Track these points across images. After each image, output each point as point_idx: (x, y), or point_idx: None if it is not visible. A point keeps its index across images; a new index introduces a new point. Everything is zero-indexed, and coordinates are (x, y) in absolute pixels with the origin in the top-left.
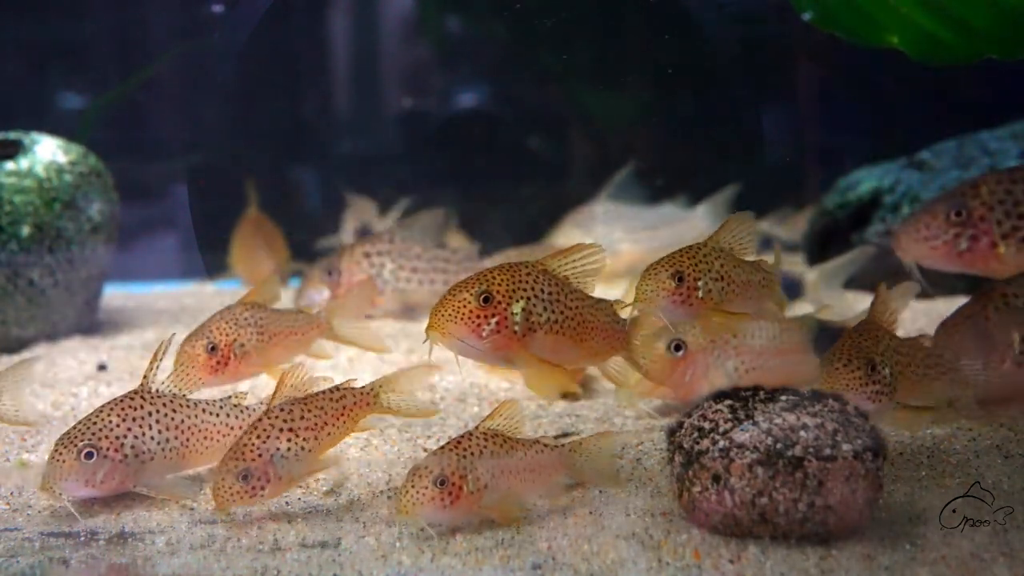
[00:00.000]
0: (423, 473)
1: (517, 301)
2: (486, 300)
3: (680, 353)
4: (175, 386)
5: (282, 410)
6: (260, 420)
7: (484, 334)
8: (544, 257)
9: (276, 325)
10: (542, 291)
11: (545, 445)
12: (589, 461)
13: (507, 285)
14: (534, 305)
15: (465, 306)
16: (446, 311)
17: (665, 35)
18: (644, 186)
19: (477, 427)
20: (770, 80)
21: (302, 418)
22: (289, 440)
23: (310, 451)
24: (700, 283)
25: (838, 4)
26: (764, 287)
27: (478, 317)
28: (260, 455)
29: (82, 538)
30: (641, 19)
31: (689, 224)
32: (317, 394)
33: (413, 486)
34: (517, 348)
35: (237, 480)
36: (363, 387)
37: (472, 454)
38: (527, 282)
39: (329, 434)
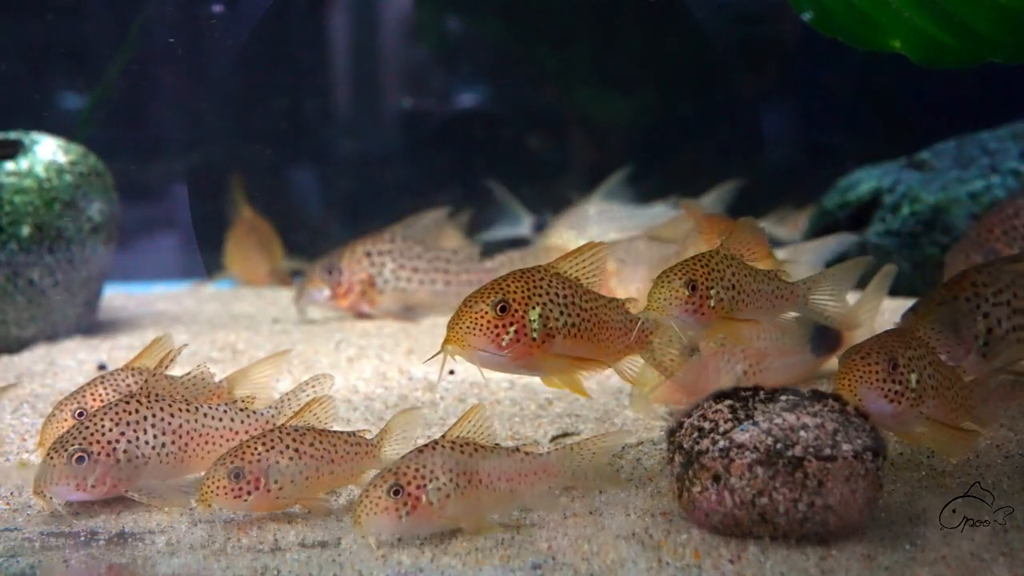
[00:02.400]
0: (378, 483)
1: (534, 307)
2: (503, 309)
3: (694, 358)
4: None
5: (296, 429)
6: (271, 431)
7: (503, 344)
8: (553, 260)
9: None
10: (557, 295)
11: (527, 453)
12: (583, 466)
13: (523, 292)
14: (551, 310)
15: (483, 317)
16: (463, 323)
17: (664, 35)
18: (638, 188)
19: (444, 435)
20: (770, 80)
21: (311, 445)
22: (291, 459)
23: (306, 479)
24: (712, 291)
25: (839, 7)
26: (779, 298)
27: (496, 327)
28: (258, 460)
29: (82, 538)
30: (640, 19)
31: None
32: (334, 432)
33: (367, 496)
34: (537, 355)
35: (227, 476)
36: (372, 439)
37: (435, 462)
38: (542, 287)
39: (331, 472)
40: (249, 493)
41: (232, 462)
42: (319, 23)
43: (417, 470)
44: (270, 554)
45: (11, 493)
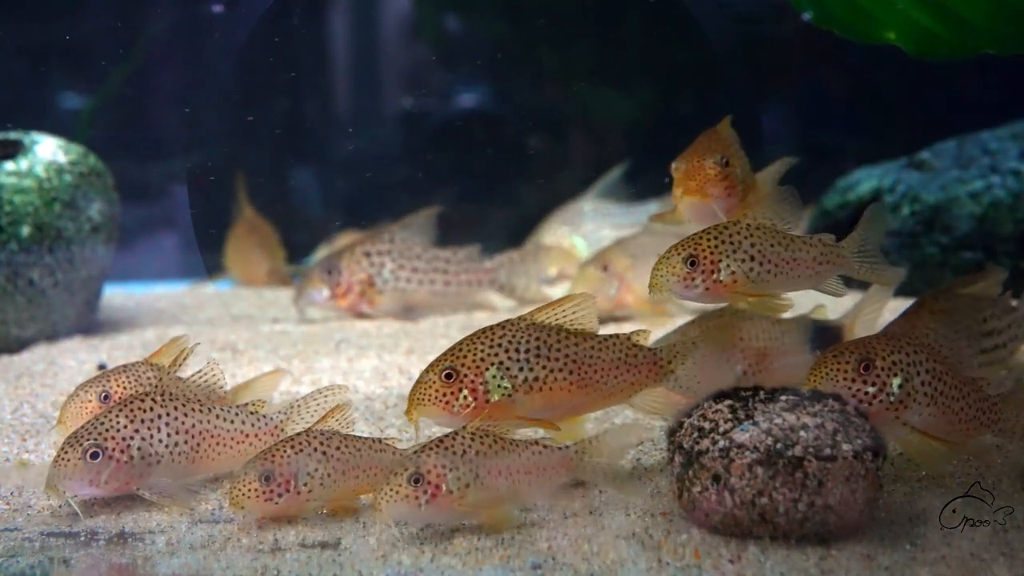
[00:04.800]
0: (399, 471)
1: (488, 368)
2: (449, 376)
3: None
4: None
5: (322, 433)
6: (299, 435)
7: (455, 409)
8: (532, 311)
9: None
10: (518, 350)
11: (546, 446)
12: (599, 462)
13: (475, 355)
14: (508, 368)
15: (430, 387)
16: (415, 394)
17: (665, 35)
18: (635, 186)
19: (466, 426)
20: (769, 79)
21: (338, 449)
22: (319, 463)
23: (334, 482)
24: (722, 265)
25: (835, 0)
26: (824, 263)
27: (445, 395)
28: (288, 464)
29: (82, 538)
30: (641, 19)
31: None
32: (359, 437)
33: (387, 483)
34: (500, 414)
35: (258, 479)
36: (405, 450)
37: (455, 452)
38: (500, 345)
39: (357, 477)
40: (280, 496)
41: (262, 465)
42: (319, 23)
43: (438, 459)
44: (270, 554)
45: (11, 493)
